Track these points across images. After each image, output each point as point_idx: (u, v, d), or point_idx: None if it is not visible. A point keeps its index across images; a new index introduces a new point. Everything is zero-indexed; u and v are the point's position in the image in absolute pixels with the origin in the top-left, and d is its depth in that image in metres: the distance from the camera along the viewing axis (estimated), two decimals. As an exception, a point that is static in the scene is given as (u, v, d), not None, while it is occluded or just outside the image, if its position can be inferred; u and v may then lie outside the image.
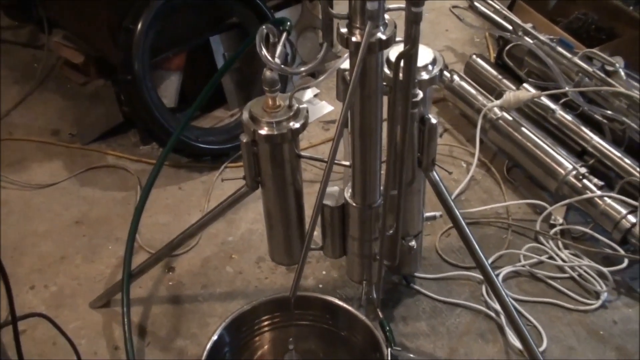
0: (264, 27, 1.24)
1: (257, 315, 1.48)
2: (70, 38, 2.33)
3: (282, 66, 1.26)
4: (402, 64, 1.18)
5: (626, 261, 1.73)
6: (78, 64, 2.34)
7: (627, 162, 1.87)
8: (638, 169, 1.84)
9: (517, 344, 1.58)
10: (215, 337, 1.40)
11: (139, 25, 1.95)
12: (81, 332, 1.69)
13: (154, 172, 1.80)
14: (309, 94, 2.40)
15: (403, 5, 1.11)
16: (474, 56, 2.35)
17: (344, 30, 1.19)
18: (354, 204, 1.45)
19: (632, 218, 1.72)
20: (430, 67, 1.35)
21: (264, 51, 1.23)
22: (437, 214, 1.64)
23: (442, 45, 2.64)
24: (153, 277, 1.82)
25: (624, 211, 1.74)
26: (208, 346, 1.38)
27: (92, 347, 1.66)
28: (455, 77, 2.24)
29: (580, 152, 1.97)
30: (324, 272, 1.81)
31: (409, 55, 1.16)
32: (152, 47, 2.01)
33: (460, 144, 2.21)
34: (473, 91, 2.19)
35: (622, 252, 1.75)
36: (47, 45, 2.52)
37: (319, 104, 2.38)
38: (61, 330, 1.44)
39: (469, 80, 2.25)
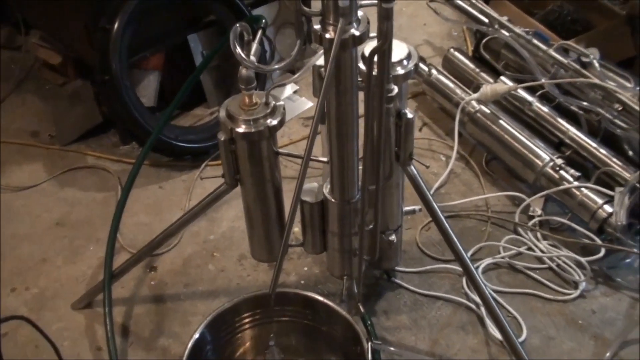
0: (237, 25, 1.24)
1: (238, 312, 1.49)
2: (47, 39, 2.32)
3: (257, 64, 1.26)
4: (375, 59, 1.19)
5: (603, 250, 1.75)
6: (56, 65, 2.33)
7: (603, 152, 1.89)
8: (614, 159, 1.86)
9: (498, 335, 1.60)
10: (196, 336, 1.40)
11: (116, 25, 1.95)
12: (64, 333, 1.69)
13: (133, 171, 1.80)
14: (288, 90, 2.41)
15: (375, 1, 1.11)
16: (452, 50, 2.37)
17: (317, 27, 1.19)
18: (332, 200, 1.46)
19: (608, 208, 1.74)
20: (405, 62, 1.36)
21: (239, 50, 1.24)
22: (417, 207, 1.65)
23: (420, 39, 2.65)
24: (135, 277, 1.82)
25: (600, 201, 1.76)
26: (189, 345, 1.38)
27: (75, 348, 1.66)
28: (434, 71, 2.25)
29: (557, 144, 1.99)
30: (305, 268, 1.82)
31: (382, 50, 1.16)
32: (129, 46, 2.01)
33: (439, 138, 2.23)
34: (451, 85, 2.20)
35: (599, 241, 1.77)
36: (24, 47, 2.51)
37: (299, 100, 2.39)
38: (43, 332, 1.44)
39: (447, 74, 2.26)
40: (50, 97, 2.43)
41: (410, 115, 1.37)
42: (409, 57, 1.37)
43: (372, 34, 1.21)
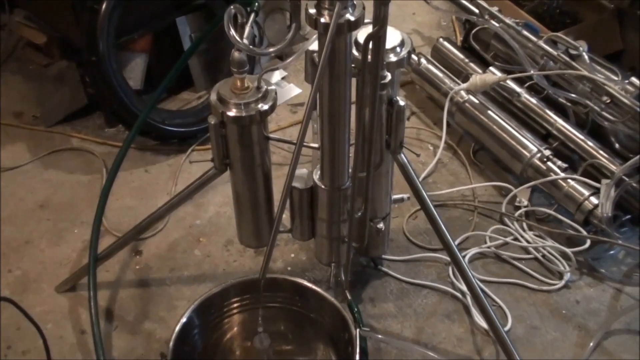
0: (232, 7, 1.22)
1: (226, 297, 1.48)
2: (32, 18, 2.28)
3: (251, 47, 1.25)
4: (370, 45, 1.18)
5: (588, 242, 1.76)
6: (40, 45, 2.29)
7: (590, 144, 1.90)
8: (600, 152, 1.87)
9: (483, 324, 1.61)
10: (184, 320, 1.39)
11: (104, 6, 1.91)
12: (47, 316, 1.67)
13: (120, 154, 1.78)
14: (276, 76, 2.39)
15: (372, -14, 1.11)
16: (441, 39, 2.37)
17: (312, 11, 1.18)
18: (322, 187, 1.46)
19: (594, 200, 1.76)
20: (398, 49, 1.35)
21: (232, 32, 1.22)
22: (405, 196, 1.65)
23: (409, 28, 2.64)
24: (120, 260, 1.80)
25: (586, 193, 1.78)
26: (177, 329, 1.37)
27: (58, 331, 1.65)
28: (423, 60, 2.25)
29: (544, 135, 2.00)
30: (292, 255, 1.82)
31: (378, 36, 1.16)
32: (117, 28, 1.98)
33: (428, 127, 2.23)
34: (440, 74, 2.20)
35: (584, 233, 1.78)
36: (8, 26, 2.46)
37: (287, 87, 2.37)
38: (26, 314, 1.43)
39: (436, 63, 2.26)
40: (35, 77, 2.39)
41: (402, 103, 1.37)
42: (402, 44, 1.36)
43: (366, 20, 1.21)
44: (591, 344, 1.58)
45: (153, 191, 2.01)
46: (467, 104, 2.05)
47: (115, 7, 1.93)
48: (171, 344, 1.35)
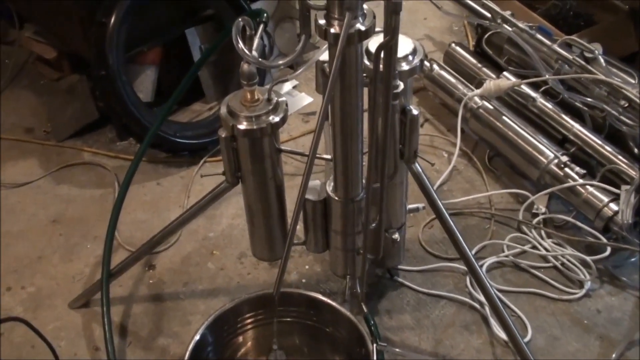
0: (240, 19, 1.21)
1: (239, 313, 1.46)
2: (42, 33, 2.28)
3: (260, 59, 1.23)
4: (382, 55, 1.16)
5: (609, 249, 1.73)
6: (51, 60, 2.29)
7: (608, 149, 1.86)
8: (619, 157, 1.83)
9: (502, 335, 1.57)
10: (197, 337, 1.37)
11: (112, 19, 1.91)
12: (60, 333, 1.66)
13: (131, 168, 1.77)
14: (287, 85, 2.38)
15: (383, -5, 1.08)
16: (453, 45, 2.34)
17: (322, 21, 1.16)
18: (336, 198, 1.43)
19: (613, 206, 1.72)
20: (410, 58, 1.33)
21: (241, 44, 1.20)
22: (420, 205, 1.62)
23: (420, 34, 2.62)
24: (133, 275, 1.79)
25: (605, 199, 1.74)
26: (190, 347, 1.35)
27: (72, 348, 1.63)
28: (435, 67, 2.22)
29: (561, 140, 1.97)
30: (307, 267, 1.79)
31: (389, 46, 1.13)
32: (126, 41, 1.97)
33: (441, 134, 2.20)
34: (453, 80, 2.18)
35: (604, 240, 1.74)
36: (18, 41, 2.47)
37: (298, 96, 2.36)
38: (39, 333, 1.42)
39: (449, 69, 2.23)
40: (45, 92, 2.39)
41: (415, 112, 1.35)
42: (414, 52, 1.34)
43: (377, 29, 1.19)
44: (614, 355, 1.54)
45: (165, 204, 2.00)
46: (481, 110, 2.02)
47: (123, 20, 1.92)
48: (185, 361, 1.33)
